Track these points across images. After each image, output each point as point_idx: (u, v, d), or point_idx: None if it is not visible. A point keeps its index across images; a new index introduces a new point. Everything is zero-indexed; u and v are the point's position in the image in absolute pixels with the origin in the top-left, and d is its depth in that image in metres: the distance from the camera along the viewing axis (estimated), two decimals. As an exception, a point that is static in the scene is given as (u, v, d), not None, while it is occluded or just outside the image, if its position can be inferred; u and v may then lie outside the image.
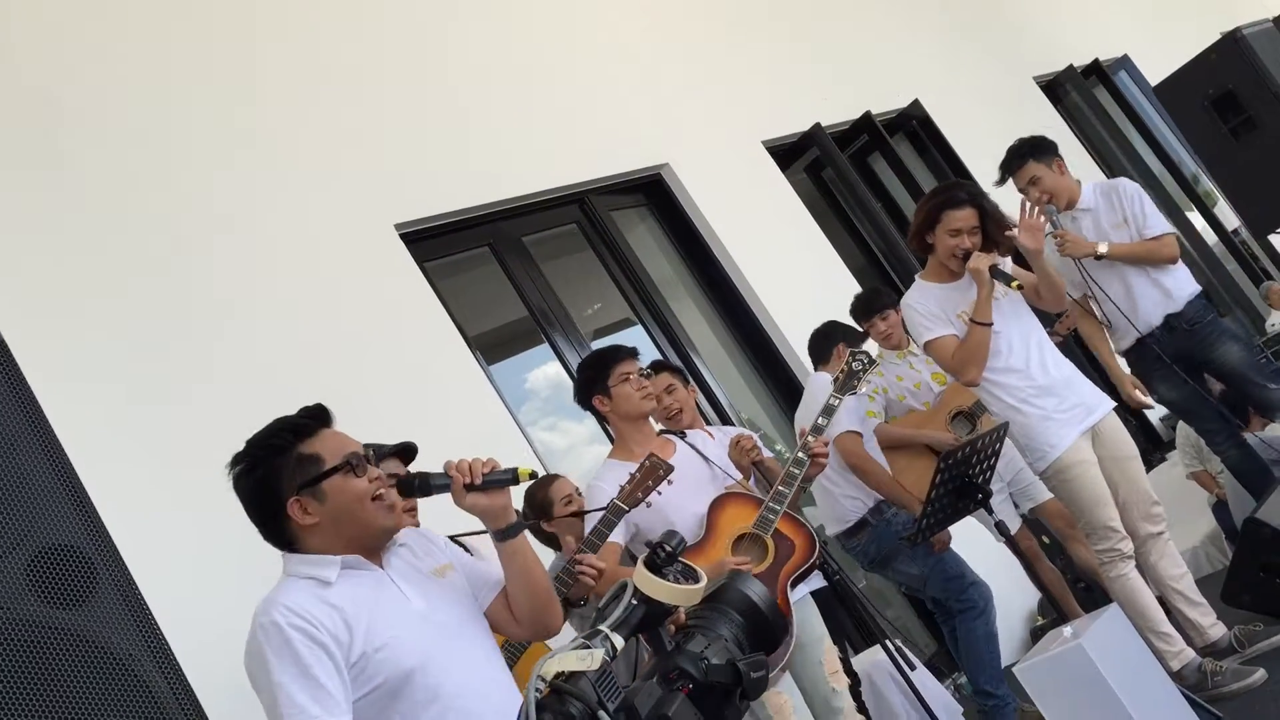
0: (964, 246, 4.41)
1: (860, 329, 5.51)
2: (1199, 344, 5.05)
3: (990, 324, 4.34)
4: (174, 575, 3.46)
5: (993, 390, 4.45)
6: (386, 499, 2.51)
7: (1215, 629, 4.44)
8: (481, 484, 2.53)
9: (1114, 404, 4.52)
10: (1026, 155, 5.11)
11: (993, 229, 4.43)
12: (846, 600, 4.06)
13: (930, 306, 4.49)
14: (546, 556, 4.21)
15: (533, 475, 2.59)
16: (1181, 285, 5.08)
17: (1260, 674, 4.16)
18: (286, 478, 2.42)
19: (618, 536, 3.71)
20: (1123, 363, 5.35)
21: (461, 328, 5.36)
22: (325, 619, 2.34)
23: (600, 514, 3.67)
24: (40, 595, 1.81)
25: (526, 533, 2.69)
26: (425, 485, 2.56)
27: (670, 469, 3.69)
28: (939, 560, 4.94)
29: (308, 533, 2.43)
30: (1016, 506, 5.35)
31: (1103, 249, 4.94)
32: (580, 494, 4.20)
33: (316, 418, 2.51)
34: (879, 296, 5.52)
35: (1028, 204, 4.58)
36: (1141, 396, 5.29)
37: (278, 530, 2.46)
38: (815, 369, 5.45)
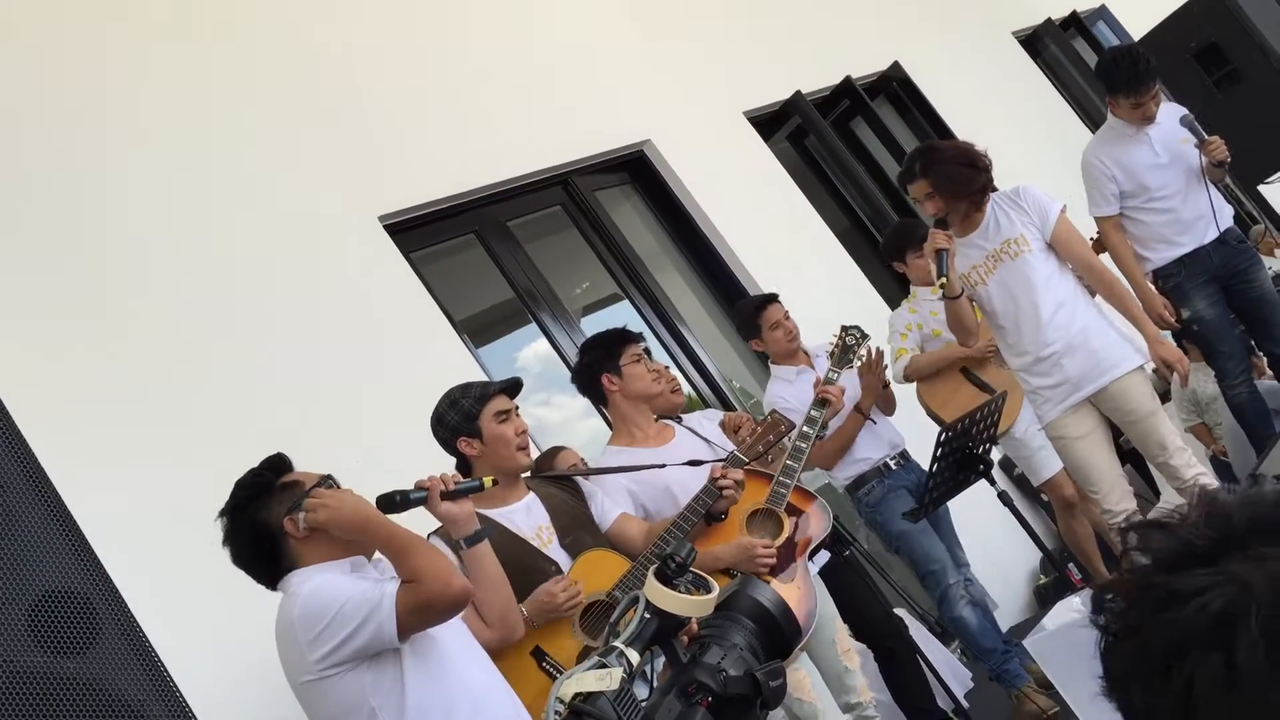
0: (928, 212, 4.48)
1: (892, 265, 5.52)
2: (1244, 258, 5.05)
3: (957, 297, 4.31)
4: (179, 615, 3.41)
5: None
6: None
7: None
8: (454, 491, 2.84)
9: (1123, 370, 4.33)
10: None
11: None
12: (859, 570, 4.09)
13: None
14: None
15: (495, 482, 2.97)
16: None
17: None
18: (276, 505, 2.60)
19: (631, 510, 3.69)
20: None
21: (449, 314, 5.31)
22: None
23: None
24: (42, 645, 1.76)
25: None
26: (405, 500, 2.81)
27: (792, 425, 3.81)
28: (904, 540, 4.89)
29: (306, 546, 2.58)
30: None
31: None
32: (585, 463, 4.16)
33: (281, 463, 2.70)
34: (915, 231, 5.25)
35: None
36: (1169, 317, 4.86)
37: (276, 556, 2.60)
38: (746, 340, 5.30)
